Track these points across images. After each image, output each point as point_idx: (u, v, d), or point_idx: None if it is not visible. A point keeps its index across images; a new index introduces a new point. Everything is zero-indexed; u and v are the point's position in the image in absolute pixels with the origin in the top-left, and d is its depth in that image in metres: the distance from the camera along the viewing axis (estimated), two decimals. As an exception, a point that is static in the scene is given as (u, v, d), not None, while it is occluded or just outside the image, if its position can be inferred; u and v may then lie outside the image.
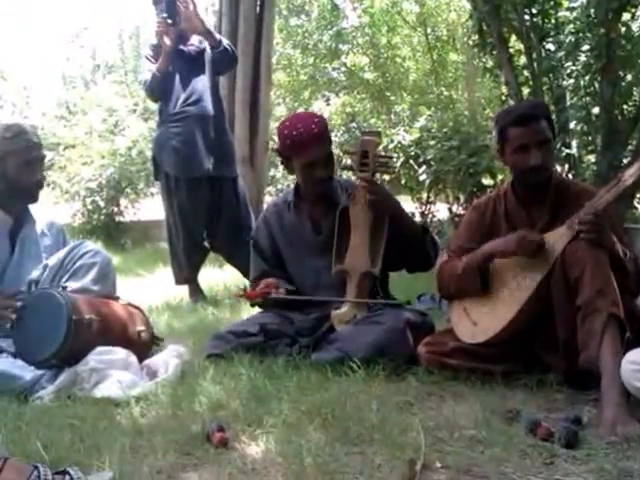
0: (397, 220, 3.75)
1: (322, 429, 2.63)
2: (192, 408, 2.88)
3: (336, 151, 4.01)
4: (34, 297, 3.40)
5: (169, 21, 5.44)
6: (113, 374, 3.18)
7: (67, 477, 2.10)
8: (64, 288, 3.41)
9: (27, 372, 3.18)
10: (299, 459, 2.33)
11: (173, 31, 5.48)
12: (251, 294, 3.83)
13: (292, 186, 4.03)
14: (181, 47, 5.58)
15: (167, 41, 5.45)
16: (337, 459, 2.37)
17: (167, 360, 3.43)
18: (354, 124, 17.09)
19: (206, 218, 5.63)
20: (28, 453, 2.38)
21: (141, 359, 3.45)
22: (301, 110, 18.96)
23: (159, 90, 5.56)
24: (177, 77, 5.56)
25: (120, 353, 3.32)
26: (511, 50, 6.77)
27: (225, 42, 5.74)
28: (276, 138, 3.95)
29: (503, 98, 7.30)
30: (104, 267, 3.61)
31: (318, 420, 2.70)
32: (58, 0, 49.76)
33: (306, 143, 3.74)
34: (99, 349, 3.27)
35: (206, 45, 5.67)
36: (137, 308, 3.76)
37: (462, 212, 7.75)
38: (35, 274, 3.55)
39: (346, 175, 4.31)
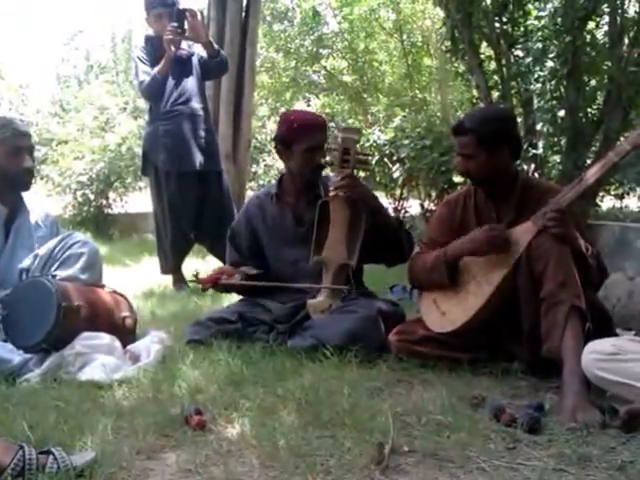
0: (375, 214, 3.73)
1: (295, 413, 2.62)
2: (172, 392, 2.87)
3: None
4: (25, 284, 3.37)
5: (179, 30, 5.46)
6: (98, 358, 3.16)
7: (51, 457, 2.08)
8: (54, 276, 3.38)
9: (15, 356, 3.16)
10: (273, 442, 2.31)
11: (179, 39, 5.51)
12: (203, 279, 3.80)
13: (273, 181, 4.00)
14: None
15: (173, 48, 5.47)
16: (309, 442, 2.35)
17: (149, 345, 3.41)
18: (332, 124, 17.06)
19: (193, 211, 5.61)
20: (14, 433, 2.36)
21: (125, 344, 3.42)
22: (283, 110, 18.97)
23: (157, 91, 5.56)
24: (169, 78, 5.58)
25: (105, 338, 3.30)
26: (482, 56, 6.74)
27: (222, 53, 5.83)
28: (278, 126, 3.97)
29: (474, 101, 7.27)
30: (92, 257, 3.57)
31: (292, 404, 2.69)
32: (55, 4, 49.50)
33: (312, 128, 3.82)
34: (85, 334, 3.24)
35: (194, 50, 5.71)
36: (122, 296, 3.72)
37: (434, 208, 7.73)
38: (26, 263, 3.52)
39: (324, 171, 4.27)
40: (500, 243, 3.16)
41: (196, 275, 3.83)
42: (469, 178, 3.44)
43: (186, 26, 5.48)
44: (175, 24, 5.44)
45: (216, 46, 5.82)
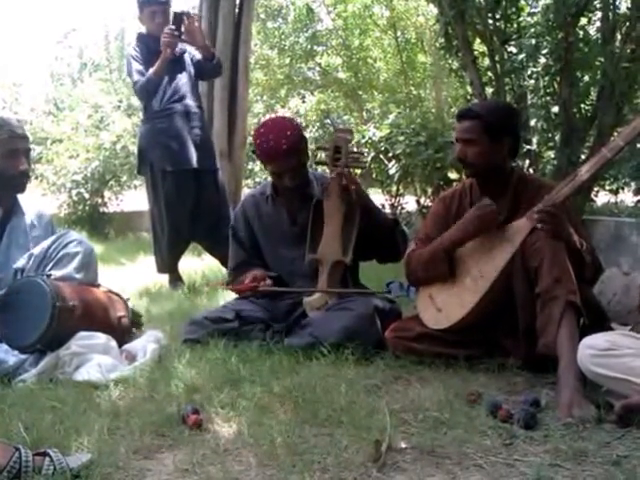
0: (368, 212, 3.73)
1: (292, 411, 2.62)
2: (168, 391, 2.86)
3: (311, 146, 3.95)
4: (19, 284, 3.36)
5: (176, 33, 5.45)
6: (93, 358, 3.16)
7: (47, 459, 2.08)
8: (48, 276, 3.36)
9: (10, 356, 3.15)
10: (270, 440, 2.31)
11: (176, 42, 5.49)
12: (241, 288, 3.79)
13: (269, 179, 3.98)
14: None
15: (169, 50, 5.45)
16: (306, 440, 2.36)
17: (145, 345, 3.41)
18: (328, 120, 17.08)
19: (190, 209, 5.59)
20: (10, 434, 2.36)
21: (121, 344, 3.42)
22: (279, 109, 18.92)
23: (153, 91, 5.55)
24: (163, 77, 5.55)
25: (101, 338, 3.29)
26: (475, 52, 6.73)
27: (217, 56, 5.82)
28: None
29: (468, 97, 7.27)
30: (86, 256, 3.55)
31: (289, 403, 2.70)
32: (48, 2, 49.50)
33: (274, 156, 3.69)
34: (80, 334, 3.23)
35: (186, 48, 5.69)
36: (117, 295, 3.72)
37: (429, 204, 7.74)
38: (21, 263, 3.50)
39: (321, 169, 4.28)
40: (489, 218, 3.19)
41: (231, 284, 3.86)
42: (465, 166, 3.43)
43: (183, 29, 5.48)
44: (173, 27, 5.44)
45: (212, 49, 5.83)
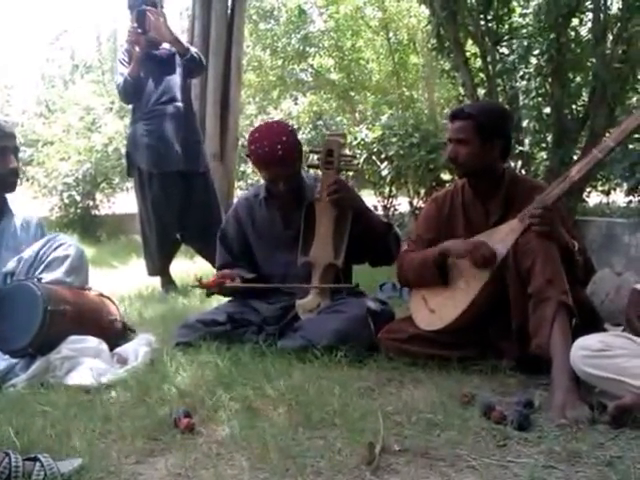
0: (360, 215, 3.71)
1: (285, 414, 2.61)
2: (160, 395, 2.84)
3: (304, 148, 3.92)
4: (10, 288, 3.33)
5: (139, 31, 5.48)
6: (85, 362, 3.14)
7: (37, 464, 2.06)
8: (39, 280, 3.34)
9: (1, 360, 3.13)
10: (263, 443, 2.30)
11: (143, 39, 5.50)
12: (207, 283, 3.77)
13: (262, 181, 3.96)
14: (153, 52, 5.59)
15: (137, 49, 5.49)
16: (299, 443, 2.34)
17: (137, 348, 3.39)
18: (320, 122, 17.09)
19: (178, 211, 5.58)
20: (0, 439, 2.33)
21: (112, 347, 3.40)
22: (271, 110, 18.91)
23: (132, 92, 5.56)
24: (150, 78, 5.57)
25: (92, 341, 3.28)
26: (467, 53, 6.77)
27: (193, 50, 5.77)
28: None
29: (460, 98, 7.29)
30: (77, 259, 3.52)
31: (282, 405, 2.68)
32: (40, 3, 49.39)
33: (269, 162, 3.66)
34: (71, 338, 3.22)
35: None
36: (109, 298, 3.70)
37: (422, 205, 7.76)
38: (10, 266, 3.47)
39: (312, 172, 4.28)
40: (481, 261, 3.16)
41: (199, 280, 3.79)
42: (456, 167, 3.43)
43: (150, 26, 5.49)
44: (135, 25, 5.49)
45: (186, 44, 5.80)
